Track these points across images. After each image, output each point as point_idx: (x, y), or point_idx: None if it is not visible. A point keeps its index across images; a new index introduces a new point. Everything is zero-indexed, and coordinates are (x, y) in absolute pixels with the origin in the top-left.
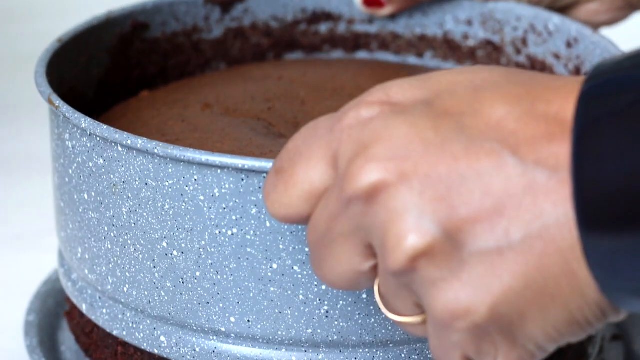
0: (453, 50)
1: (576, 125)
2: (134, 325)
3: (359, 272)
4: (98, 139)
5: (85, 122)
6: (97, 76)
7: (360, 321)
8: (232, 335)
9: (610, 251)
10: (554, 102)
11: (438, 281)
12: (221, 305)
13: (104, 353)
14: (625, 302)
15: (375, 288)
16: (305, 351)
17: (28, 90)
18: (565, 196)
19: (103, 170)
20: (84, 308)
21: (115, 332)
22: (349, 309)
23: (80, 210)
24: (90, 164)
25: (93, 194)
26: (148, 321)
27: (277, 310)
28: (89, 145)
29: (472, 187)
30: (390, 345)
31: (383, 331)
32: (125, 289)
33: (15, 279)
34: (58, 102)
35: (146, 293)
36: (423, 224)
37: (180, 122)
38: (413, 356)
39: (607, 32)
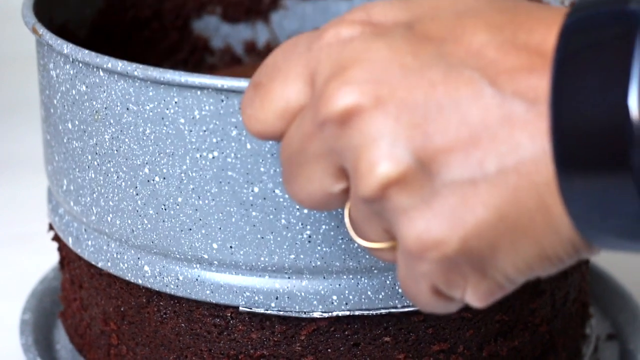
0: None
1: (556, 58)
2: (118, 256)
3: (329, 193)
4: (80, 65)
5: (67, 47)
6: (89, 16)
7: (343, 246)
8: (215, 262)
9: (586, 188)
10: (537, 32)
11: (409, 210)
12: (203, 231)
13: (97, 353)
14: (600, 240)
15: (346, 212)
16: (289, 278)
17: (28, 90)
18: (542, 130)
19: (86, 97)
20: (69, 242)
21: (100, 264)
22: (332, 233)
23: (65, 140)
24: (74, 92)
25: (77, 122)
26: (132, 251)
27: (259, 236)
28: (71, 72)
29: (449, 115)
30: (375, 271)
31: (367, 257)
32: (109, 219)
33: (11, 278)
34: (42, 30)
35: (129, 221)
36: (396, 151)
37: None
38: (398, 283)
39: None
